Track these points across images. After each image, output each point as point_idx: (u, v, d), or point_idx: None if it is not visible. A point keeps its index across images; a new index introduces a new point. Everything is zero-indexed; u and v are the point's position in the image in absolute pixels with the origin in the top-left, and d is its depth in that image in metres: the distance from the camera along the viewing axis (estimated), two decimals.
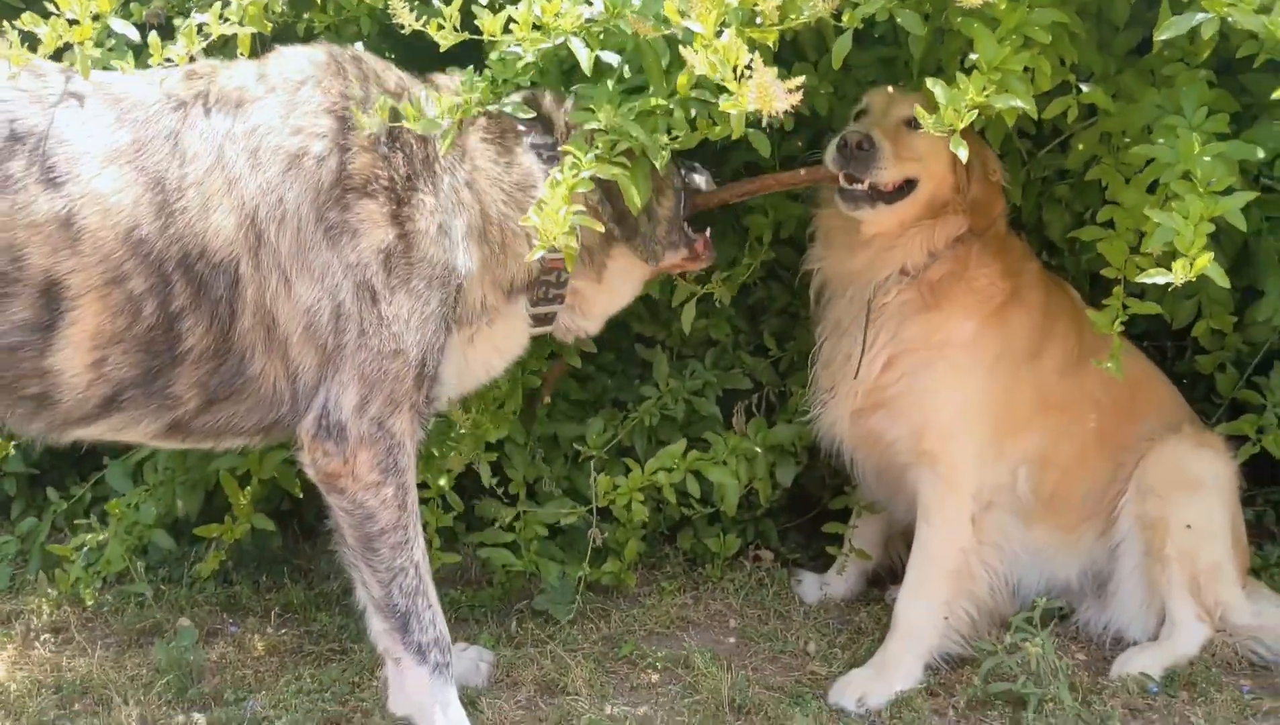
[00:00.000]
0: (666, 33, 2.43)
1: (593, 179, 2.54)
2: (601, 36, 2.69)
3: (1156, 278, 2.42)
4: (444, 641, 2.84)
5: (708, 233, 3.15)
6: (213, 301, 2.61)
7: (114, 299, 2.56)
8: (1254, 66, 2.68)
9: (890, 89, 3.11)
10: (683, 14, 2.24)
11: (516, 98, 2.78)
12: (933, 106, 2.43)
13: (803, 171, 3.13)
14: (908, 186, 3.06)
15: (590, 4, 2.60)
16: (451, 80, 2.85)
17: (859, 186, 3.01)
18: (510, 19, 2.58)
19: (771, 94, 2.05)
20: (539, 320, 2.96)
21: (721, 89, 2.23)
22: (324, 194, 2.63)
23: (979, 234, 3.13)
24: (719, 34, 2.17)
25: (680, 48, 2.37)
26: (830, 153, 3.02)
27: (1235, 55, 2.68)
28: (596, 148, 2.53)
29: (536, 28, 2.56)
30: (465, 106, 2.58)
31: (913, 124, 3.00)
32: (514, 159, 2.82)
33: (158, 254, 2.56)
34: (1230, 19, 2.38)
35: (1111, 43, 2.98)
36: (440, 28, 2.60)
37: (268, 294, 2.64)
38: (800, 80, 2.10)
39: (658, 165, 2.64)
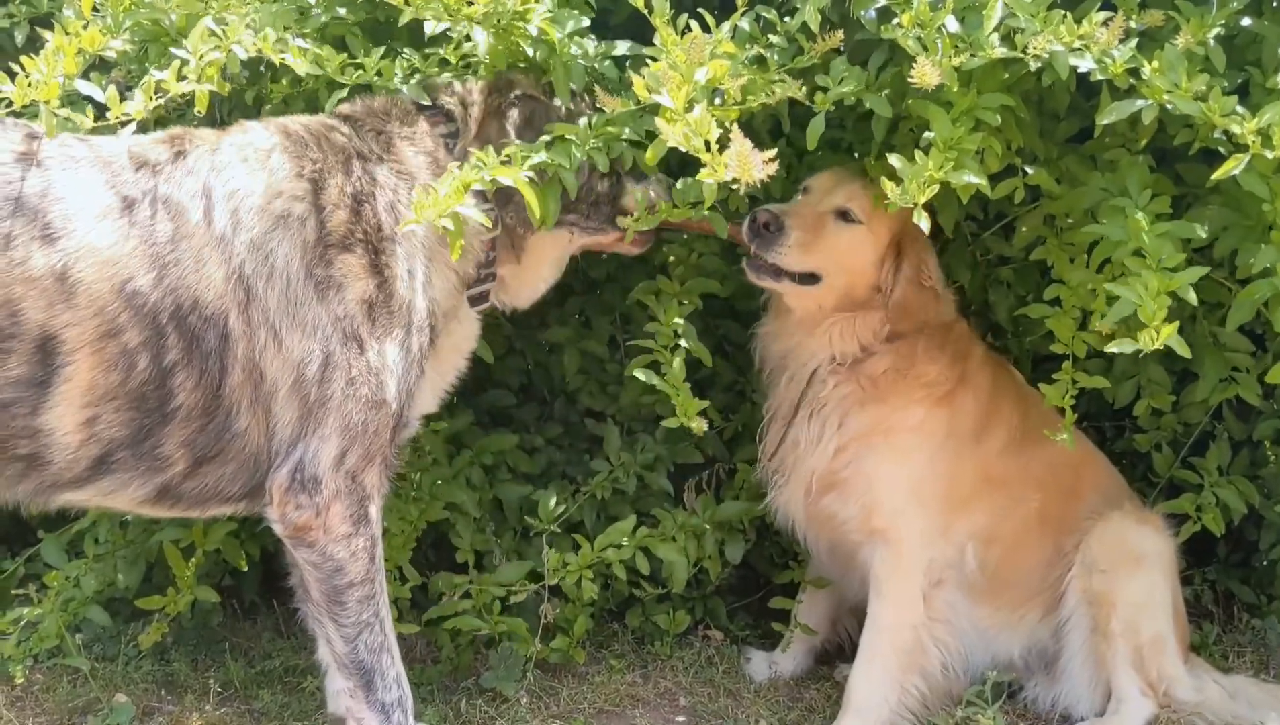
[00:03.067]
0: (634, 108, 2.49)
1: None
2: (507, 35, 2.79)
3: (1124, 348, 2.50)
4: (407, 703, 2.84)
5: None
6: (204, 355, 2.65)
7: (109, 353, 2.58)
8: (1189, 155, 2.80)
9: (833, 175, 3.19)
10: (651, 90, 2.30)
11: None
12: (890, 181, 2.50)
13: (729, 227, 3.17)
14: (815, 277, 3.13)
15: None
16: (357, 107, 2.94)
17: (761, 259, 3.09)
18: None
19: (750, 162, 2.10)
20: (476, 301, 3.03)
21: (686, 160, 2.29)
22: (310, 251, 2.71)
23: (903, 333, 3.18)
24: (689, 109, 2.22)
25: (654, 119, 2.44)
26: (745, 226, 3.10)
27: (1171, 144, 2.80)
28: (505, 155, 2.61)
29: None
30: None
31: (845, 216, 3.10)
32: (437, 161, 2.90)
33: (152, 306, 2.60)
34: (1169, 106, 2.49)
35: (1053, 131, 3.09)
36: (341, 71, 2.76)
37: (257, 348, 2.69)
38: (774, 152, 2.16)
39: (569, 190, 2.77)
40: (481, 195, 2.81)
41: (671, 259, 3.48)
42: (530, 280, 3.16)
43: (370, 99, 2.98)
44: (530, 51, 2.85)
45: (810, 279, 3.12)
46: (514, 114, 2.93)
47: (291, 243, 2.70)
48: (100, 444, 2.64)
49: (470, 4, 2.65)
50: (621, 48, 2.93)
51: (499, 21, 2.71)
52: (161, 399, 2.64)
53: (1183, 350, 2.54)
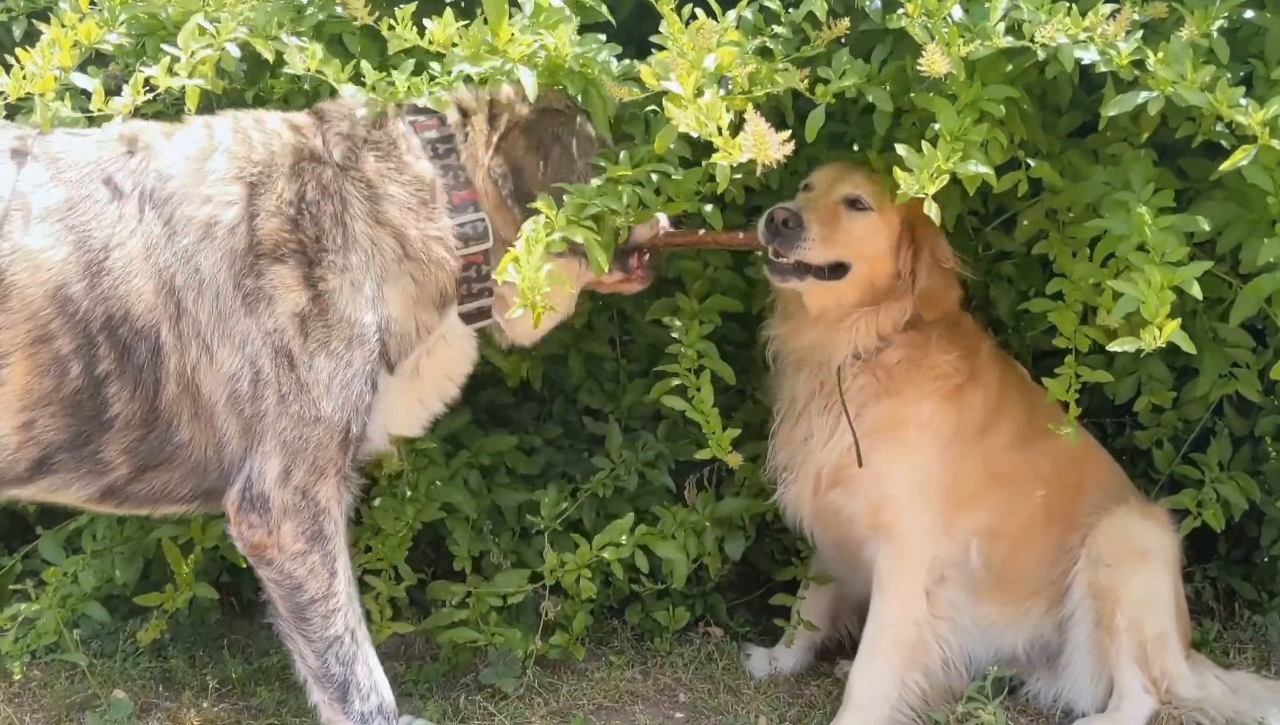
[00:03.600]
0: (643, 96, 2.48)
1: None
2: (548, 72, 2.72)
3: (1126, 347, 2.48)
4: (388, 709, 2.80)
5: (645, 257, 3.13)
6: (136, 368, 2.61)
7: (41, 358, 2.54)
8: (1191, 148, 2.80)
9: (835, 167, 3.18)
10: (659, 78, 2.29)
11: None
12: (899, 170, 2.49)
13: (741, 235, 3.15)
14: (842, 267, 3.10)
15: (540, 35, 2.64)
16: (331, 106, 2.86)
17: (784, 261, 3.06)
18: (453, 42, 2.59)
19: (767, 143, 2.09)
20: (471, 317, 2.91)
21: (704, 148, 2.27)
22: (239, 261, 2.63)
23: (924, 323, 3.17)
24: (699, 94, 2.22)
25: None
26: (760, 225, 3.06)
27: (1173, 138, 2.80)
28: (566, 209, 2.55)
29: (490, 50, 2.59)
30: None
31: (855, 204, 3.08)
32: (407, 167, 2.80)
33: (84, 315, 2.55)
34: (1175, 97, 2.49)
35: (1055, 125, 3.09)
36: (391, 28, 2.63)
37: (189, 363, 2.64)
38: (789, 133, 2.15)
39: (621, 231, 2.69)
40: (473, 204, 2.79)
41: (687, 275, 3.46)
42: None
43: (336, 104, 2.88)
44: (568, 86, 2.79)
45: (836, 272, 3.09)
46: (540, 132, 2.85)
47: (219, 252, 2.63)
48: (39, 447, 2.61)
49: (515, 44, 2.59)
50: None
51: (539, 61, 2.65)
52: (97, 408, 2.61)
53: (1187, 346, 2.52)
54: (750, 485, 3.61)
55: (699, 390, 3.22)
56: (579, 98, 2.77)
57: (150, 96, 2.72)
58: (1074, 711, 3.31)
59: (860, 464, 3.16)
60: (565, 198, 2.59)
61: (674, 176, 2.71)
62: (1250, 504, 3.58)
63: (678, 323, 3.35)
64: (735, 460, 3.22)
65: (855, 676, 3.20)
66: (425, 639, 3.64)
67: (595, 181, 2.63)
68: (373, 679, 2.80)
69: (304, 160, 2.72)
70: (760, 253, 3.15)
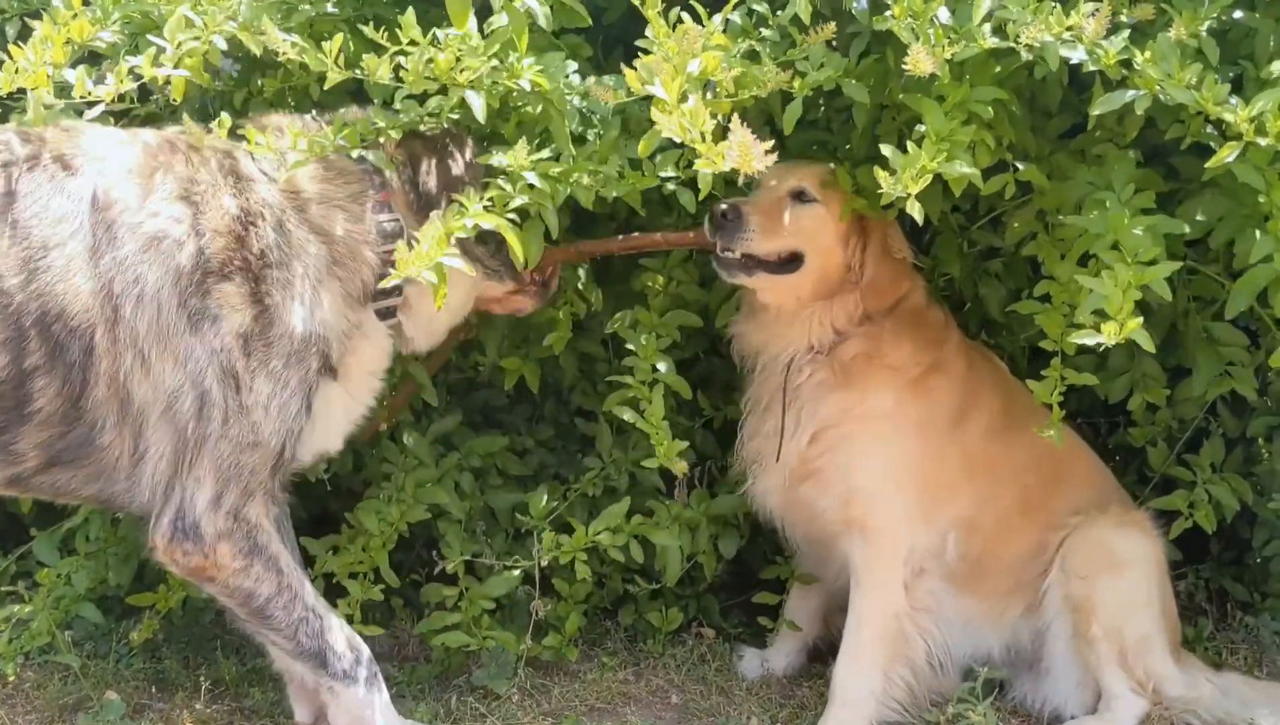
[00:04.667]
0: (626, 100, 2.48)
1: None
2: (500, 93, 2.73)
3: (1087, 339, 2.52)
4: (363, 654, 2.93)
5: (549, 271, 3.18)
6: (66, 366, 2.64)
7: None
8: (1181, 149, 2.80)
9: (782, 165, 3.15)
10: (643, 82, 2.30)
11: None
12: (881, 171, 2.50)
13: (691, 234, 3.18)
14: (795, 259, 3.12)
15: (489, 60, 2.64)
16: (278, 119, 2.91)
17: (730, 254, 3.08)
18: (399, 65, 2.60)
19: (751, 152, 2.10)
20: (383, 314, 2.95)
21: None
22: (184, 278, 2.67)
23: (875, 315, 3.18)
24: (683, 100, 2.22)
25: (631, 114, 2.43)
26: (706, 223, 3.09)
27: (1163, 139, 2.80)
28: (487, 198, 2.59)
29: (430, 79, 2.59)
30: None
31: (801, 196, 3.10)
32: (332, 166, 2.85)
33: (17, 307, 2.59)
34: (1162, 96, 2.49)
35: (1044, 127, 3.09)
36: (322, 63, 2.63)
37: (122, 369, 2.67)
38: (772, 143, 2.16)
39: (551, 226, 2.73)
40: (389, 205, 2.84)
41: (650, 285, 3.46)
42: (427, 318, 3.04)
43: (286, 117, 2.94)
44: (523, 104, 2.82)
45: (789, 265, 3.11)
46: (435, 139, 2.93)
47: (164, 267, 2.66)
48: None
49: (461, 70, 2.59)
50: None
51: (491, 82, 2.66)
52: (19, 400, 2.64)
53: (1147, 345, 2.53)
54: (741, 483, 3.60)
55: (650, 401, 3.23)
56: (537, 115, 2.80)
57: (137, 86, 2.73)
58: (1062, 715, 3.30)
59: (778, 459, 3.22)
60: (487, 190, 2.63)
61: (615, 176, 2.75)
62: (1242, 505, 3.57)
63: (640, 338, 3.35)
64: (681, 468, 3.24)
65: (839, 673, 3.20)
66: (419, 640, 3.64)
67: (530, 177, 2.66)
68: (344, 637, 2.90)
69: (245, 178, 2.77)
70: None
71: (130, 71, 2.58)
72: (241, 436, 2.71)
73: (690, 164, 2.48)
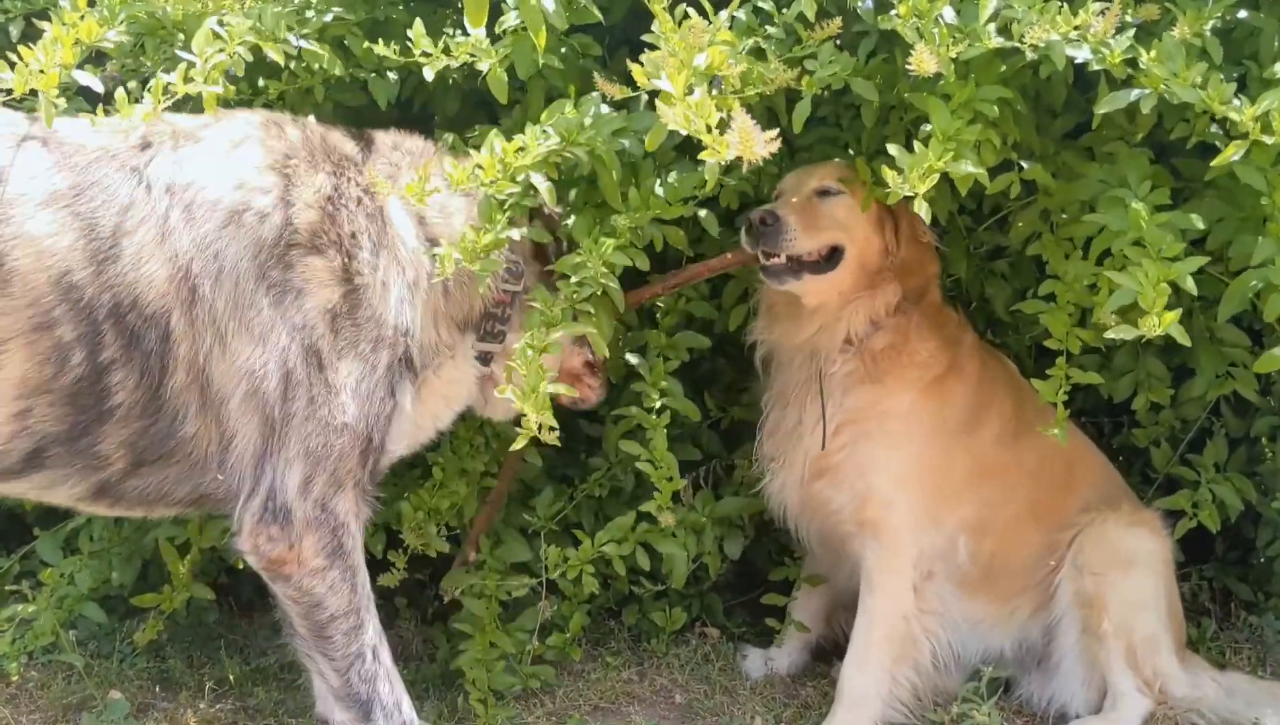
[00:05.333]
0: (631, 95, 2.49)
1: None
2: (559, 165, 2.75)
3: (1124, 334, 2.52)
4: (412, 722, 2.78)
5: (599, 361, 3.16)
6: (144, 355, 2.54)
7: (42, 346, 2.48)
8: (1186, 149, 2.81)
9: (799, 170, 3.22)
10: (650, 76, 2.30)
11: None
12: (889, 170, 2.50)
13: (729, 255, 3.19)
14: (835, 255, 3.13)
15: (547, 135, 2.65)
16: (388, 137, 2.88)
17: (777, 261, 3.08)
18: (478, 165, 2.59)
19: (753, 139, 2.10)
20: (481, 360, 2.90)
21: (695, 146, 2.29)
22: (266, 251, 2.58)
23: (913, 296, 3.19)
24: (689, 92, 2.23)
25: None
26: (744, 235, 3.10)
27: (1168, 138, 2.80)
28: (562, 300, 2.63)
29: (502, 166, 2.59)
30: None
31: (827, 193, 3.11)
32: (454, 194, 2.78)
33: (89, 301, 2.50)
34: (1168, 95, 2.49)
35: (1049, 126, 3.09)
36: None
37: (201, 352, 2.57)
38: (776, 131, 2.16)
39: (618, 302, 2.74)
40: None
41: (660, 305, 3.44)
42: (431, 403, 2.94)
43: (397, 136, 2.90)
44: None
45: (830, 261, 3.12)
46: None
47: (245, 240, 2.57)
48: (33, 438, 2.54)
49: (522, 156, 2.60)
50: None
51: (550, 159, 2.67)
52: (98, 397, 2.53)
53: (1183, 339, 2.53)
54: (748, 484, 3.60)
55: (656, 431, 3.21)
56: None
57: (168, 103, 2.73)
58: (1068, 714, 3.30)
59: (824, 447, 3.20)
60: (559, 284, 2.65)
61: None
62: (1246, 505, 3.58)
63: (643, 361, 3.35)
64: (669, 519, 3.24)
65: (846, 673, 3.20)
66: (423, 639, 3.64)
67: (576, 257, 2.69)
68: (395, 695, 2.77)
69: (345, 161, 2.72)
70: (756, 264, 3.15)
71: (165, 89, 2.57)
72: (330, 417, 2.59)
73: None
